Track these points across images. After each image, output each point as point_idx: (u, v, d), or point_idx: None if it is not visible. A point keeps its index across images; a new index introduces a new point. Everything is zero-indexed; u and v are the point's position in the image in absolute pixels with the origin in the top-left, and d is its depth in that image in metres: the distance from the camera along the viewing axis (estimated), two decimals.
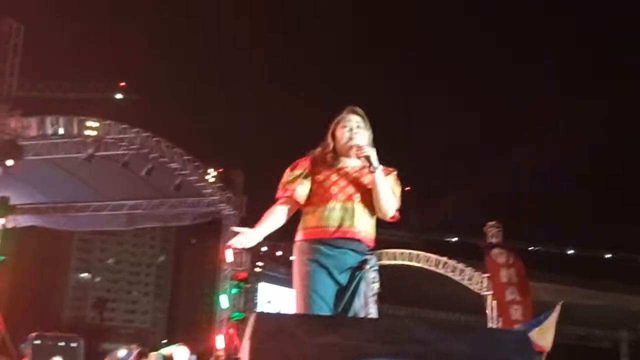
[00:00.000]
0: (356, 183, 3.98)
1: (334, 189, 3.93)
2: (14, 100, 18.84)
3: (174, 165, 21.23)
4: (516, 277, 22.09)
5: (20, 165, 18.51)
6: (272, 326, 2.01)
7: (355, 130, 4.02)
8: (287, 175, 4.02)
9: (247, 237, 3.87)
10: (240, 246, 3.87)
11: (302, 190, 3.97)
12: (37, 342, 3.05)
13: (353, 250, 3.84)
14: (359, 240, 3.87)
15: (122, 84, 30.77)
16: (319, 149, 4.09)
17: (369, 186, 3.95)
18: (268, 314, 2.12)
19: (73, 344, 3.04)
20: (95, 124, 19.53)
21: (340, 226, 3.85)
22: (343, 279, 3.78)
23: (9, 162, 17.65)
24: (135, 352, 15.97)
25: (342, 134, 4.02)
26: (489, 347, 1.99)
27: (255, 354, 1.92)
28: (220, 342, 23.21)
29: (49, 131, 19.41)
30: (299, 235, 3.94)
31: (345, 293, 3.76)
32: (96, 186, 22.83)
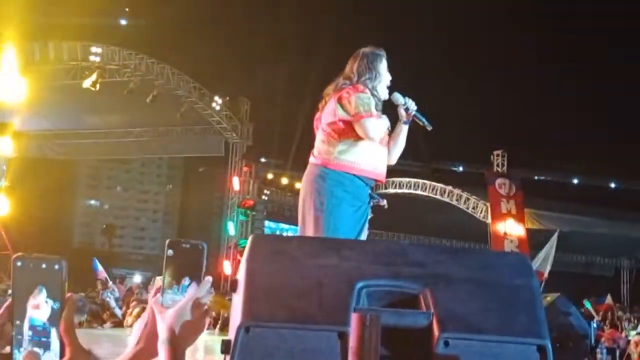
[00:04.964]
0: (390, 130, 4.04)
1: None
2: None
3: (179, 92, 21.11)
4: (515, 208, 22.25)
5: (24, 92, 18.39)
6: (270, 248, 1.99)
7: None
8: (364, 99, 3.78)
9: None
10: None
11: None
12: (19, 263, 2.96)
13: (369, 186, 3.95)
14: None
15: (127, 9, 30.15)
16: (363, 79, 3.88)
17: (396, 136, 4.01)
18: (266, 235, 2.11)
19: (56, 266, 2.96)
20: (100, 50, 19.32)
21: (383, 169, 3.94)
22: (360, 210, 3.88)
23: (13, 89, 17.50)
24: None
25: (386, 77, 3.98)
26: (487, 269, 1.98)
27: (252, 275, 1.90)
28: (227, 268, 23.57)
29: (52, 56, 19.23)
30: (335, 164, 3.81)
31: (363, 223, 3.89)
32: (102, 113, 22.77)
